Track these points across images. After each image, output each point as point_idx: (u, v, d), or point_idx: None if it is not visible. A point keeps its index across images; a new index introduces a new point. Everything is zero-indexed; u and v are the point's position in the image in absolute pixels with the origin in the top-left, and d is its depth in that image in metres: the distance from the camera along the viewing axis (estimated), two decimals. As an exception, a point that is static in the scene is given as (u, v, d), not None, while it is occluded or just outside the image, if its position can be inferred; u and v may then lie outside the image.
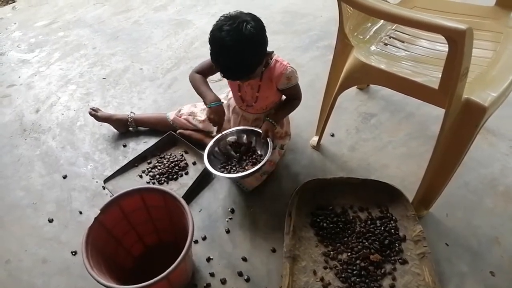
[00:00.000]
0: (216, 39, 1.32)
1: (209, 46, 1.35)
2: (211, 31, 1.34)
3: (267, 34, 1.38)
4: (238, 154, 1.58)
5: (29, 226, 1.60)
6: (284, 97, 1.65)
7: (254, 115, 1.67)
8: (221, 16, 1.34)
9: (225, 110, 1.76)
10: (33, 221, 1.61)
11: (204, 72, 1.62)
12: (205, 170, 1.64)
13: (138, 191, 1.30)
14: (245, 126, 1.63)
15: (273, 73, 1.49)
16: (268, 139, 1.51)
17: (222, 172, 1.52)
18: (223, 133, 1.60)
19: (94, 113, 1.89)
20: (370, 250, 1.37)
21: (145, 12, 2.97)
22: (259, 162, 1.48)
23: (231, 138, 1.62)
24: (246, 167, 1.53)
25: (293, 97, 1.61)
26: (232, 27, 1.28)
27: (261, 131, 1.53)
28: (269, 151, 1.47)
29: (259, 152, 1.58)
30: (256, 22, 1.33)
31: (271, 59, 1.50)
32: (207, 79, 1.63)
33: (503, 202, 1.54)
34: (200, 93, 1.59)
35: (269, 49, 1.43)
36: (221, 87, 1.93)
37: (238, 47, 1.29)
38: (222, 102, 1.56)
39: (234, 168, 1.55)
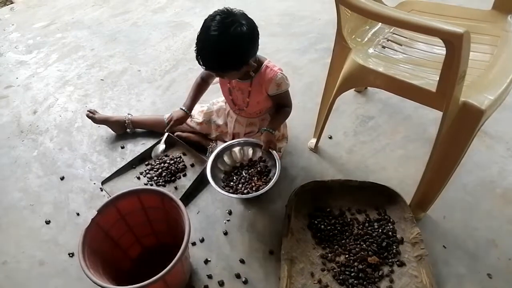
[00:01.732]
0: (204, 25, 1.32)
1: None
2: (206, 18, 1.34)
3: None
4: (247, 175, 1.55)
5: (26, 228, 1.59)
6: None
7: (248, 119, 1.67)
8: (223, 7, 1.33)
9: (223, 113, 1.77)
10: (30, 223, 1.61)
11: (206, 76, 1.65)
12: (203, 172, 1.64)
13: (136, 192, 1.30)
14: (244, 139, 1.61)
15: (263, 79, 1.49)
16: (271, 150, 1.50)
17: (228, 191, 1.47)
18: (221, 147, 1.57)
19: (92, 116, 1.88)
20: (367, 252, 1.37)
21: (144, 14, 2.97)
22: (265, 173, 1.49)
23: (227, 155, 1.59)
24: (253, 182, 1.50)
25: (283, 105, 1.60)
26: (222, 19, 1.28)
27: (260, 143, 1.53)
28: (277, 163, 1.46)
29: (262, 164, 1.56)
30: (248, 28, 1.31)
31: (262, 65, 1.49)
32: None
33: (501, 204, 1.55)
34: None
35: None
36: (219, 89, 1.93)
37: (218, 40, 1.28)
38: (186, 112, 1.64)
39: (240, 184, 1.51)
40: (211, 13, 1.33)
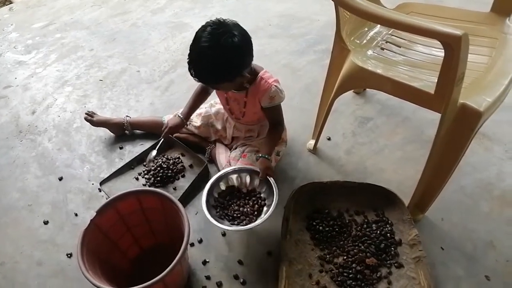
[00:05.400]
0: (195, 36, 1.31)
1: None
2: (198, 29, 1.32)
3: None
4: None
5: (24, 228, 1.59)
6: None
7: (246, 126, 1.67)
8: (215, 18, 1.32)
9: (222, 117, 1.77)
10: (29, 223, 1.60)
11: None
12: (202, 173, 1.65)
13: (135, 193, 1.29)
14: (241, 166, 1.52)
15: (257, 90, 1.48)
16: (269, 178, 1.43)
17: (222, 218, 1.42)
18: (217, 175, 1.49)
19: (90, 118, 1.87)
20: (366, 254, 1.38)
21: (143, 14, 2.98)
22: (261, 202, 1.44)
23: (223, 182, 1.51)
24: (248, 210, 1.44)
25: (274, 121, 1.57)
26: (213, 31, 1.26)
27: (257, 169, 1.45)
28: (275, 193, 1.38)
29: (259, 192, 1.49)
30: (240, 38, 1.27)
31: (257, 76, 1.47)
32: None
33: (499, 206, 1.55)
34: None
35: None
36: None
37: (209, 53, 1.26)
38: (182, 119, 1.63)
39: (235, 212, 1.44)
40: (204, 23, 1.32)
